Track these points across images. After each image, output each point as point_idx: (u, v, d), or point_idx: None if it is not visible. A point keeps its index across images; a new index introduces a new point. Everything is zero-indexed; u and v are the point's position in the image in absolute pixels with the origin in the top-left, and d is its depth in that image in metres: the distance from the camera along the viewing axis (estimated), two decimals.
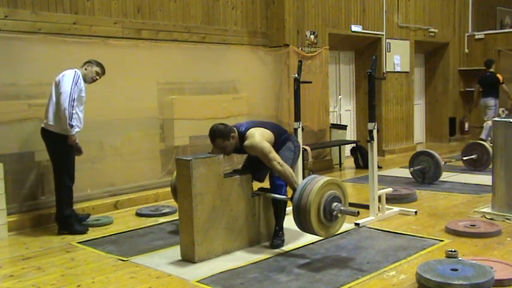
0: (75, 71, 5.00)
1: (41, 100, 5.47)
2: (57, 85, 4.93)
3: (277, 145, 4.44)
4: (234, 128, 4.35)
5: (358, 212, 4.02)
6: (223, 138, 4.26)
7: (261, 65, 7.98)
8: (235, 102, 7.39)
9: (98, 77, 5.21)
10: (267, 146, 4.24)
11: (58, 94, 4.88)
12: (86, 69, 5.12)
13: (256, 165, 4.49)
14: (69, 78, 4.91)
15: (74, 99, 4.86)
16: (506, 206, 5.14)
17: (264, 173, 4.58)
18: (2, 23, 5.41)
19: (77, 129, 4.94)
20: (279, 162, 4.20)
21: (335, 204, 3.93)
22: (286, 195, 4.49)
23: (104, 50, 6.15)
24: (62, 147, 4.99)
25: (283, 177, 4.22)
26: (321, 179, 3.96)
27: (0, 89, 5.37)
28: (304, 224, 3.95)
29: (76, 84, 4.92)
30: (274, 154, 4.23)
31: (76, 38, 5.95)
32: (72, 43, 5.88)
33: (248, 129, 4.36)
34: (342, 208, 3.95)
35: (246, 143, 4.28)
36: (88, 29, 6.08)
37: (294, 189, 4.11)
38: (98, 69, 5.19)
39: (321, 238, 4.60)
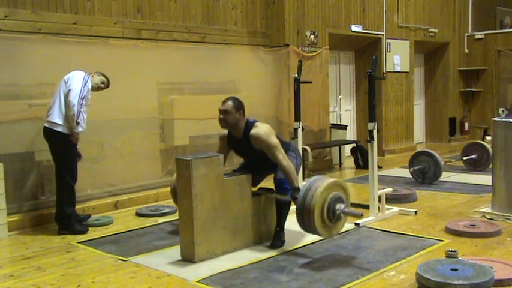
0: (85, 73, 5.07)
1: (41, 100, 5.49)
2: (66, 82, 4.97)
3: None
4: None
5: (362, 214, 4.03)
6: (235, 106, 4.27)
7: (261, 65, 7.98)
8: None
9: (102, 86, 5.30)
10: (274, 138, 4.28)
11: (67, 91, 4.92)
12: (92, 75, 5.19)
13: (251, 169, 4.49)
14: (79, 77, 5.00)
15: (83, 98, 4.92)
16: (506, 206, 5.14)
17: (258, 179, 4.59)
18: (2, 23, 5.41)
19: (80, 129, 4.97)
20: (283, 156, 4.21)
21: (338, 205, 3.94)
22: (290, 201, 4.47)
23: (104, 50, 6.16)
24: (65, 146, 5.01)
25: (286, 172, 4.21)
26: (326, 180, 3.96)
27: (0, 89, 5.37)
28: (307, 224, 3.95)
29: (85, 84, 5.00)
30: (280, 148, 4.25)
31: (76, 38, 5.95)
32: (72, 43, 5.88)
33: (256, 121, 4.41)
34: (345, 210, 3.97)
35: (253, 131, 4.28)
36: (88, 29, 6.08)
37: (294, 188, 4.14)
38: (103, 79, 5.30)
39: (322, 238, 4.61)
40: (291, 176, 4.21)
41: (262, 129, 4.29)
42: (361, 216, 4.06)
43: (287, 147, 4.55)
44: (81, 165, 5.36)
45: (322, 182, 3.93)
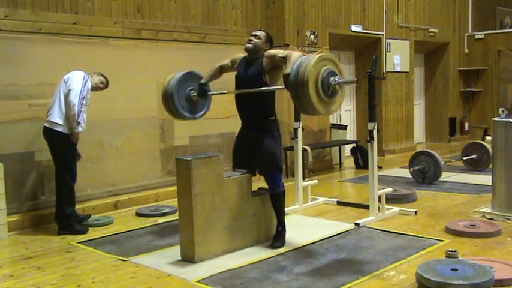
0: (84, 73, 5.07)
1: (41, 100, 5.49)
2: (66, 82, 4.97)
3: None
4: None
5: (357, 81, 3.98)
6: (266, 36, 4.44)
7: None
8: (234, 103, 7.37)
9: (101, 86, 5.31)
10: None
11: (67, 91, 4.92)
12: (91, 75, 5.18)
13: (247, 158, 4.47)
14: (79, 77, 5.01)
15: (83, 97, 4.93)
16: (506, 206, 5.14)
17: (256, 163, 4.50)
18: (2, 23, 5.41)
19: (80, 129, 4.97)
20: (290, 53, 4.16)
21: (332, 78, 3.83)
22: (284, 190, 4.47)
23: (104, 50, 6.16)
24: (65, 146, 5.01)
25: (290, 58, 4.04)
26: (315, 56, 3.88)
27: (0, 89, 5.37)
28: (302, 100, 3.82)
29: (85, 84, 5.01)
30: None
31: (76, 38, 5.95)
32: (72, 43, 5.88)
33: None
34: (340, 80, 3.85)
35: (266, 51, 4.38)
36: (88, 29, 6.08)
37: (286, 74, 3.93)
38: (103, 79, 5.31)
39: (321, 238, 4.61)
40: (291, 62, 3.98)
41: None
42: (357, 83, 3.99)
43: (277, 126, 4.52)
44: (81, 165, 5.36)
45: (312, 57, 3.85)
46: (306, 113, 4.02)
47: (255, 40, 4.41)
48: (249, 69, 4.43)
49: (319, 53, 8.43)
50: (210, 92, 4.79)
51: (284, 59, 4.14)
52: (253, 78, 4.37)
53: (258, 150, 4.41)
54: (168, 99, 4.72)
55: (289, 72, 3.86)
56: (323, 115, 4.02)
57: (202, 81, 4.72)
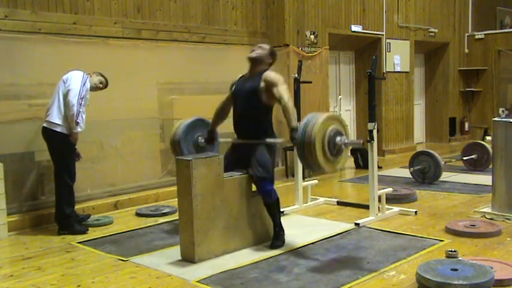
0: (84, 73, 5.07)
1: (41, 100, 5.49)
2: (65, 82, 4.97)
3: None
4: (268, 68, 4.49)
5: (363, 142, 4.01)
6: (270, 51, 4.49)
7: None
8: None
9: (101, 86, 5.30)
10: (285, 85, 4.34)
11: (66, 91, 4.92)
12: (91, 75, 5.18)
13: (238, 166, 4.45)
14: (78, 77, 5.00)
15: (82, 98, 4.92)
16: (506, 206, 5.14)
17: (248, 165, 4.47)
18: (2, 23, 5.41)
19: (79, 129, 4.97)
20: (289, 98, 4.21)
21: (339, 137, 3.93)
22: (277, 198, 4.44)
23: (104, 50, 6.16)
24: (64, 146, 5.01)
25: (287, 110, 4.12)
26: (322, 115, 3.95)
27: (0, 89, 5.37)
28: (309, 159, 3.89)
29: (84, 84, 5.00)
30: (288, 92, 4.28)
31: (76, 38, 5.95)
32: (72, 43, 5.88)
33: None
34: (346, 141, 3.95)
35: (268, 72, 4.37)
36: (88, 29, 6.08)
37: (292, 127, 4.06)
38: (102, 79, 5.30)
39: (321, 238, 4.61)
40: (290, 116, 4.11)
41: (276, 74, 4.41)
42: (362, 144, 4.05)
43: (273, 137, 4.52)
44: (81, 165, 5.36)
45: (319, 117, 3.90)
46: (311, 170, 4.09)
47: (259, 51, 4.43)
48: (246, 84, 4.42)
49: (319, 53, 8.45)
50: (218, 140, 4.79)
51: (280, 101, 4.21)
52: (249, 93, 4.36)
53: (250, 159, 4.37)
54: (176, 145, 4.77)
55: (296, 127, 4.00)
56: (327, 172, 4.12)
57: (210, 128, 4.71)
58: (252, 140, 4.38)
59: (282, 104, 4.20)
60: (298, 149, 3.97)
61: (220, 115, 4.67)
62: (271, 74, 4.35)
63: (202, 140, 4.78)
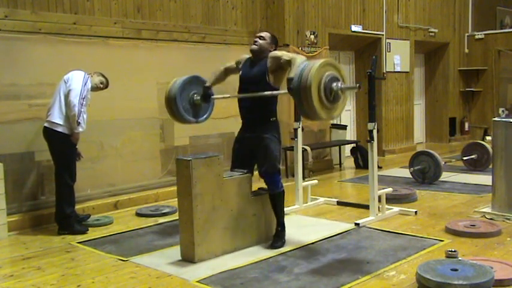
0: (85, 73, 5.07)
1: (41, 100, 5.49)
2: (66, 82, 4.97)
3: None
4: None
5: (360, 86, 4.00)
6: (271, 38, 4.47)
7: None
8: (235, 103, 7.38)
9: (101, 86, 5.30)
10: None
11: (67, 91, 4.92)
12: (92, 75, 5.18)
13: (246, 159, 4.47)
14: (79, 77, 5.00)
15: (83, 98, 4.93)
16: (506, 206, 5.14)
17: (254, 161, 4.52)
18: (2, 23, 5.41)
19: (80, 129, 4.97)
20: (297, 56, 4.23)
21: (335, 83, 3.86)
22: (283, 190, 4.47)
23: (104, 50, 6.16)
24: (65, 146, 5.01)
25: (295, 61, 4.07)
26: (318, 61, 3.89)
27: (0, 89, 5.37)
28: (305, 105, 3.84)
29: (85, 84, 5.00)
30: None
31: (76, 38, 5.95)
32: (72, 43, 5.88)
33: None
34: (342, 86, 3.88)
35: (271, 52, 4.40)
36: (88, 29, 6.08)
37: (288, 78, 3.96)
38: (103, 79, 5.30)
39: (321, 238, 4.61)
40: (294, 66, 4.01)
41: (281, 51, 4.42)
42: (359, 88, 4.02)
43: (277, 127, 4.53)
44: (81, 165, 5.36)
45: (315, 62, 3.87)
46: (308, 117, 4.04)
47: (260, 41, 4.43)
48: (253, 69, 4.44)
49: (319, 53, 8.45)
50: (213, 96, 4.77)
51: (289, 62, 4.16)
52: (257, 78, 4.37)
53: (258, 151, 4.42)
54: (171, 101, 4.72)
55: (293, 76, 3.87)
56: (325, 120, 4.04)
57: (207, 84, 4.70)
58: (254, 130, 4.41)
59: (291, 58, 4.17)
60: (294, 96, 3.90)
61: (218, 77, 4.69)
62: (276, 52, 4.42)
63: (198, 98, 4.77)
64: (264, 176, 4.47)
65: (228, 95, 4.80)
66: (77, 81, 4.95)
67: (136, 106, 6.45)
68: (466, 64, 12.10)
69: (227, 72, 4.71)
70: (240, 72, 4.56)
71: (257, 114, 4.43)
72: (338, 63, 4.09)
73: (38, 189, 5.63)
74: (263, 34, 4.49)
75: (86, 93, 4.99)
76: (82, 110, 4.92)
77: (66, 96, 4.92)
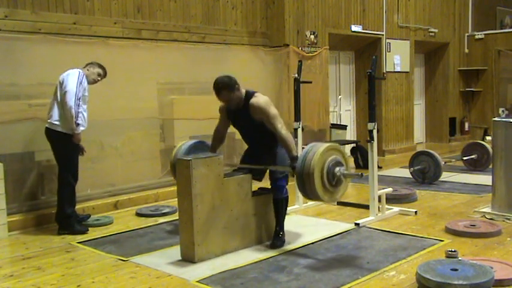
0: (79, 71, 5.04)
1: (41, 100, 5.49)
2: (62, 84, 4.95)
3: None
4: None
5: (362, 174, 4.02)
6: (229, 89, 4.25)
7: (261, 65, 7.98)
8: None
9: (99, 78, 5.25)
10: (274, 109, 4.30)
11: (63, 93, 4.90)
12: (88, 69, 5.15)
13: (254, 160, 4.49)
14: (73, 77, 4.96)
15: (79, 98, 4.90)
16: (506, 206, 5.14)
17: (263, 171, 4.57)
18: (2, 23, 5.41)
19: (82, 128, 4.97)
20: (282, 126, 4.22)
21: (338, 168, 3.93)
22: (287, 197, 4.49)
23: (104, 50, 6.15)
24: (67, 146, 5.01)
25: (284, 141, 4.18)
26: (322, 145, 3.97)
27: (0, 89, 5.37)
28: (308, 190, 3.94)
29: (81, 83, 4.96)
30: (279, 118, 4.27)
31: (76, 38, 5.95)
32: (72, 43, 5.88)
33: (256, 92, 4.41)
34: (345, 172, 3.96)
35: (253, 100, 4.29)
36: (88, 29, 6.08)
37: (292, 157, 4.13)
38: (99, 70, 5.24)
39: (321, 238, 4.61)
40: (289, 145, 4.18)
41: (262, 98, 4.32)
42: (362, 176, 4.06)
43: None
44: (81, 165, 5.36)
45: (319, 147, 3.93)
46: (309, 199, 4.10)
47: (230, 103, 4.34)
48: (240, 116, 4.42)
49: (319, 53, 8.46)
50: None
51: (281, 139, 4.21)
52: (251, 127, 4.43)
53: (269, 156, 4.44)
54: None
55: (296, 156, 4.02)
56: (326, 203, 4.14)
57: (211, 152, 4.67)
58: (256, 166, 4.47)
59: (277, 135, 4.24)
60: (296, 179, 4.01)
61: (218, 139, 4.67)
62: (255, 104, 4.28)
63: None
64: (271, 179, 4.49)
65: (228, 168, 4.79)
66: (71, 82, 4.90)
67: (136, 106, 6.45)
68: (466, 64, 12.10)
69: (220, 131, 4.65)
70: (231, 121, 4.58)
71: (260, 143, 4.50)
72: (341, 147, 4.17)
73: (38, 189, 5.63)
74: (224, 97, 4.28)
75: (82, 93, 4.94)
76: (79, 110, 4.89)
77: (62, 98, 4.90)
